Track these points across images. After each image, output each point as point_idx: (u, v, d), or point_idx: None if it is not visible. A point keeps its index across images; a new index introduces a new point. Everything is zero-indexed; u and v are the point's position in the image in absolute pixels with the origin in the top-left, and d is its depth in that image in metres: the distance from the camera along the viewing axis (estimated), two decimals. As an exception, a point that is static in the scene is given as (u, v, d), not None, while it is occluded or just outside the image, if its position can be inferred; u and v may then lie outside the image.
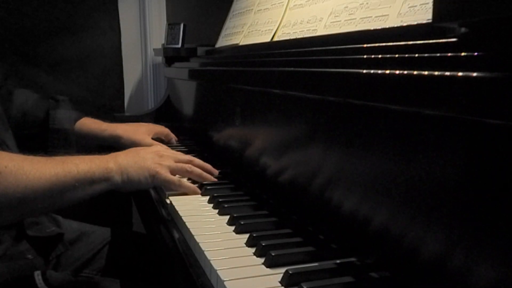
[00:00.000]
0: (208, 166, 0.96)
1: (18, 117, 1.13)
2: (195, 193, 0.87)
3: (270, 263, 0.57)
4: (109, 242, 1.09)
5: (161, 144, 0.95)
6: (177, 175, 0.90)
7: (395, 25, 0.70)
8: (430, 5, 0.46)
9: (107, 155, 0.88)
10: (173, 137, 1.36)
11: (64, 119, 1.17)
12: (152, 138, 1.27)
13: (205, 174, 0.93)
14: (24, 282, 0.84)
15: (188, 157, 0.96)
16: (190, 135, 1.43)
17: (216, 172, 0.96)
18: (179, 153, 0.98)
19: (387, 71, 0.50)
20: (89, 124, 1.24)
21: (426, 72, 0.45)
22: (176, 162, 0.91)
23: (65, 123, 1.17)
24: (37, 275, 0.85)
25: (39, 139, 1.16)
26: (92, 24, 1.88)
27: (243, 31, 1.28)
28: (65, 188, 0.79)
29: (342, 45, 0.66)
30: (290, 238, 0.64)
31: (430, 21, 0.48)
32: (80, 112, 1.25)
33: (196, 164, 0.94)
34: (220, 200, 0.80)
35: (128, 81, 1.97)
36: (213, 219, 0.75)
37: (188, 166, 0.91)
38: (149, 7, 1.94)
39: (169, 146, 1.25)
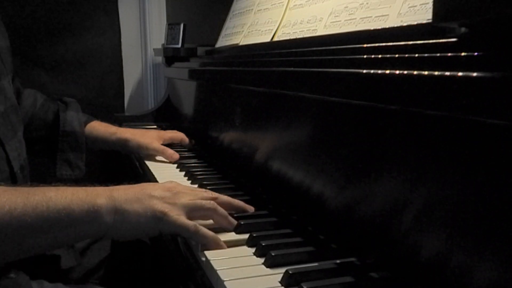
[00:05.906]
0: (239, 203, 0.74)
1: (25, 119, 1.08)
2: (217, 246, 0.64)
3: (270, 263, 0.57)
4: (111, 251, 1.03)
5: (175, 181, 0.73)
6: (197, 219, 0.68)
7: (395, 25, 0.70)
8: (430, 5, 0.46)
9: (100, 187, 0.67)
10: (186, 140, 1.31)
11: (74, 122, 1.13)
12: (165, 145, 1.22)
13: (230, 218, 0.69)
14: None
15: (212, 193, 0.73)
16: (190, 135, 1.43)
17: (251, 208, 0.75)
18: (199, 189, 0.78)
19: (387, 71, 0.50)
20: (98, 127, 1.20)
21: (426, 72, 0.45)
22: (193, 199, 0.69)
23: (75, 126, 1.13)
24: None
25: (46, 142, 1.12)
26: (92, 24, 1.89)
27: (243, 31, 1.28)
28: (26, 228, 0.58)
29: (342, 45, 0.66)
30: (290, 238, 0.64)
31: (430, 21, 0.48)
32: (89, 115, 1.22)
33: (221, 202, 0.71)
34: (220, 200, 0.80)
35: (128, 81, 1.97)
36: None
37: (210, 204, 0.68)
38: (149, 7, 1.94)
39: (174, 148, 1.23)
